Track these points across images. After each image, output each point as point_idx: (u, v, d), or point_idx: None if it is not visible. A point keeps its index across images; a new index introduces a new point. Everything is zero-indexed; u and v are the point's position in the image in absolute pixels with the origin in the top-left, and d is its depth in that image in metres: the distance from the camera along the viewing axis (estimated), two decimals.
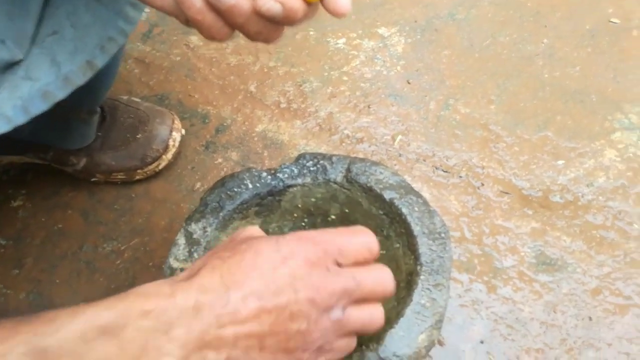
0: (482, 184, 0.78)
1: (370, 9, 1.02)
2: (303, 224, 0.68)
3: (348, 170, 0.65)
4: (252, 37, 0.43)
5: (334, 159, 0.66)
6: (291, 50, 0.98)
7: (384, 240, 0.62)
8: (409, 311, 0.53)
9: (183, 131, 0.84)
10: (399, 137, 0.85)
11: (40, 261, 0.77)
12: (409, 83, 0.91)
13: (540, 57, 0.93)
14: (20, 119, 0.48)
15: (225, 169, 0.84)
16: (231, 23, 0.41)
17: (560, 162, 0.80)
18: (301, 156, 0.66)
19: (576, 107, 0.86)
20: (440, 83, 0.90)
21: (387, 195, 0.62)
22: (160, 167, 0.81)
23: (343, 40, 0.98)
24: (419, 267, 0.56)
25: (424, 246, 0.58)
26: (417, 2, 1.02)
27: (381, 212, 0.63)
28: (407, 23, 0.99)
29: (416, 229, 0.59)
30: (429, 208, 0.61)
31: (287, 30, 1.06)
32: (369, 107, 0.89)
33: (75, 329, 0.35)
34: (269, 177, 0.65)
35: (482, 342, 0.66)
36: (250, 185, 0.65)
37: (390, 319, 0.55)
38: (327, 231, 0.45)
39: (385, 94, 0.90)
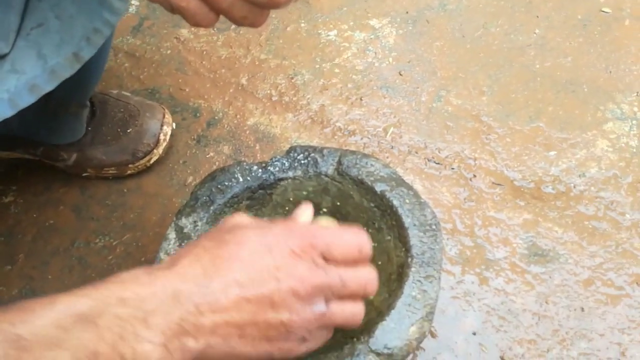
0: (474, 176, 0.78)
1: (361, 0, 1.01)
2: None
3: (339, 163, 0.64)
4: (237, 21, 0.43)
5: (325, 151, 0.66)
6: (282, 43, 0.97)
7: (376, 233, 0.62)
8: (399, 303, 0.54)
9: (174, 125, 0.84)
10: (391, 129, 0.84)
11: (32, 257, 0.76)
12: (400, 75, 0.91)
13: (531, 48, 0.92)
14: (8, 112, 0.48)
15: (217, 163, 0.83)
16: (216, 8, 0.41)
17: (552, 152, 0.80)
18: (292, 149, 0.66)
19: (568, 98, 0.86)
20: (431, 74, 0.90)
21: (378, 187, 0.62)
22: (152, 161, 0.81)
23: (334, 32, 0.98)
24: (409, 259, 0.57)
25: (415, 238, 0.58)
26: None
27: (372, 204, 0.62)
28: (398, 14, 0.99)
29: (407, 221, 0.59)
30: (420, 200, 0.60)
31: (278, 23, 1.06)
32: (360, 99, 0.89)
33: (52, 317, 0.35)
34: (260, 170, 0.65)
35: (474, 333, 0.66)
36: (241, 179, 0.64)
37: (382, 311, 0.55)
38: (318, 226, 0.45)
39: (377, 85, 0.90)
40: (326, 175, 0.65)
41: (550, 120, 0.83)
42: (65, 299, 0.36)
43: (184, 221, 0.61)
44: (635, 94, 0.85)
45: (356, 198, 0.64)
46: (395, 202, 0.60)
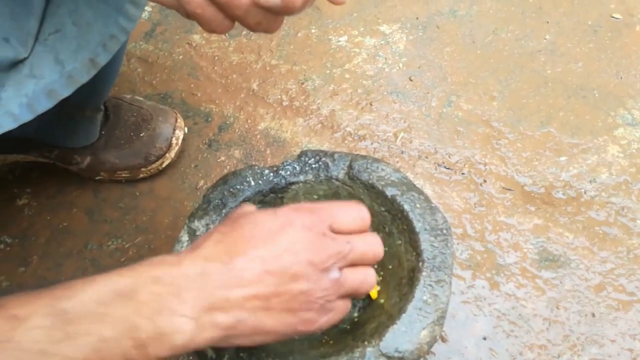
0: (485, 181, 0.78)
1: (372, 6, 1.02)
2: None
3: (350, 167, 0.65)
4: (252, 28, 0.43)
5: (336, 156, 0.66)
6: (293, 48, 0.98)
7: (386, 237, 0.62)
8: (410, 307, 0.54)
9: (186, 129, 0.85)
10: (401, 134, 0.85)
11: (45, 259, 0.77)
12: (411, 80, 0.91)
13: (542, 53, 0.92)
14: (26, 117, 0.49)
15: (228, 167, 0.84)
16: (231, 15, 0.42)
17: (563, 158, 0.80)
18: (303, 153, 0.67)
19: (579, 103, 0.86)
20: (442, 80, 0.90)
21: (389, 192, 0.62)
22: (164, 165, 0.82)
23: (345, 37, 0.98)
24: (421, 264, 0.57)
25: (426, 243, 0.58)
26: None
27: (383, 209, 0.63)
28: (408, 20, 0.99)
29: (418, 225, 0.59)
30: (431, 204, 0.61)
31: (289, 29, 1.07)
32: (371, 104, 0.89)
33: (93, 293, 0.37)
34: (271, 174, 0.66)
35: (484, 338, 0.66)
36: (252, 183, 0.65)
37: (392, 315, 0.55)
38: (322, 203, 0.50)
39: (388, 91, 0.90)
40: (337, 180, 0.65)
41: (561, 125, 0.83)
42: (104, 277, 0.39)
43: (196, 224, 0.61)
44: None
45: (367, 202, 0.64)
46: (406, 207, 0.61)
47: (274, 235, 0.44)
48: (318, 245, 0.44)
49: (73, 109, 0.72)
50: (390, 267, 0.61)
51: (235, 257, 0.42)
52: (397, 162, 0.82)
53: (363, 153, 0.82)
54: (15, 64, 0.47)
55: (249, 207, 0.49)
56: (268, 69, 0.96)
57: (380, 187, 0.63)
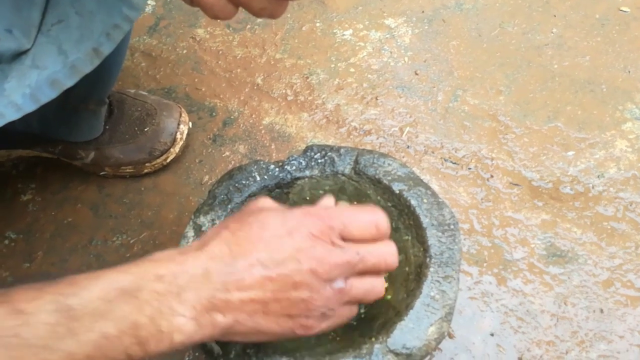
0: (492, 176, 0.78)
1: (377, 0, 1.01)
2: None
3: (356, 162, 0.64)
4: (256, 13, 0.43)
5: (341, 150, 0.65)
6: (298, 42, 0.97)
7: (393, 233, 0.61)
8: (418, 303, 0.53)
9: (190, 124, 0.84)
10: (407, 129, 0.84)
11: (50, 255, 0.77)
12: (416, 74, 0.90)
13: (549, 47, 0.92)
14: (30, 107, 0.48)
15: (233, 162, 0.84)
16: (234, 0, 0.41)
17: (571, 153, 0.79)
18: (309, 148, 0.66)
19: (586, 97, 0.85)
20: (448, 74, 0.90)
21: (396, 187, 0.61)
22: (169, 160, 0.81)
23: (350, 31, 0.97)
24: (428, 259, 0.56)
25: (433, 238, 0.58)
26: None
27: (390, 204, 0.62)
28: (414, 13, 0.98)
29: (425, 220, 0.59)
30: (438, 200, 0.60)
31: (294, 23, 1.06)
32: (376, 98, 0.88)
33: (98, 290, 0.38)
34: (277, 169, 0.65)
35: (492, 334, 0.65)
36: (258, 178, 0.64)
37: (400, 311, 0.54)
38: (335, 208, 0.48)
39: (393, 85, 0.89)
40: (343, 175, 0.65)
41: (569, 120, 0.83)
42: (109, 274, 0.39)
43: (202, 219, 0.61)
44: None
45: (373, 197, 0.64)
46: (413, 202, 0.60)
47: (279, 240, 0.43)
48: (324, 255, 0.43)
49: (77, 102, 0.71)
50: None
51: (238, 259, 0.42)
52: (403, 157, 0.81)
53: (369, 148, 0.82)
54: (18, 55, 0.47)
55: (265, 202, 0.49)
56: (272, 63, 0.95)
57: (386, 182, 0.62)
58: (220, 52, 0.97)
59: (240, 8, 0.43)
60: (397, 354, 0.51)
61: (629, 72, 0.87)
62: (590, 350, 0.64)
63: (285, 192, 0.66)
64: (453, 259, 0.56)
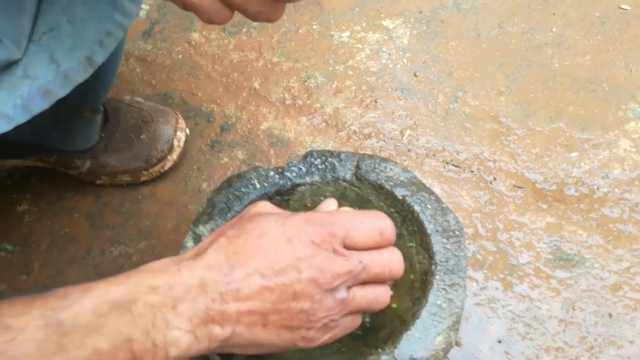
0: (495, 179, 0.77)
1: (374, 1, 1.00)
2: None
3: (357, 167, 0.63)
4: (252, 17, 0.41)
5: (342, 156, 0.64)
6: (294, 45, 0.96)
7: (397, 239, 0.60)
8: (424, 312, 0.52)
9: (187, 131, 0.83)
10: (408, 131, 0.83)
11: (47, 266, 0.76)
12: (415, 76, 0.89)
13: (549, 46, 0.90)
14: (21, 118, 0.47)
15: (231, 169, 0.82)
16: (229, 4, 0.40)
17: (574, 154, 0.78)
18: (309, 154, 0.65)
19: (588, 97, 0.84)
20: (447, 75, 0.88)
21: (399, 192, 0.60)
22: (166, 167, 0.80)
23: (347, 33, 0.96)
24: (433, 267, 0.55)
25: (438, 245, 0.56)
26: None
27: (392, 210, 0.61)
28: (412, 14, 0.97)
29: (429, 227, 0.58)
30: (442, 205, 0.59)
31: (290, 25, 1.04)
32: (375, 101, 0.87)
33: (89, 304, 0.36)
34: (277, 176, 0.64)
35: (499, 341, 0.64)
36: (257, 185, 0.63)
37: (406, 321, 0.53)
38: (337, 213, 0.46)
39: (392, 87, 0.88)
40: (344, 181, 0.64)
41: (571, 120, 0.81)
42: (101, 285, 0.38)
43: (201, 229, 0.60)
44: None
45: (375, 203, 0.62)
46: (417, 208, 0.59)
47: (278, 248, 0.41)
48: (325, 264, 0.41)
49: (70, 111, 0.70)
50: None
51: (236, 269, 0.40)
52: (404, 160, 0.80)
53: (369, 152, 0.81)
54: (8, 66, 0.45)
55: (265, 207, 0.47)
56: (269, 66, 0.94)
57: (389, 188, 0.61)
58: (216, 56, 0.96)
59: (236, 12, 0.42)
60: None
61: (631, 70, 0.86)
62: (600, 356, 0.63)
63: (286, 199, 0.64)
64: (459, 265, 0.55)
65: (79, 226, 0.79)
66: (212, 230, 0.60)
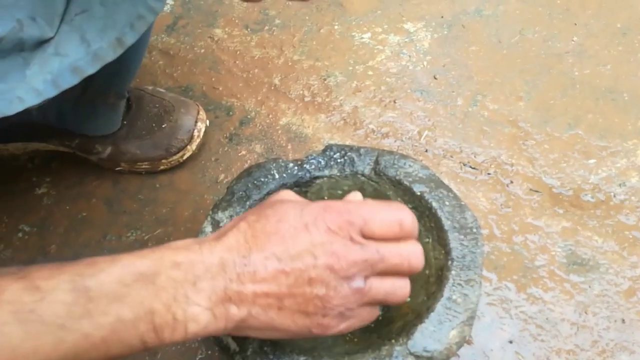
0: (511, 182, 0.77)
1: (396, 4, 1.00)
2: None
3: (376, 162, 0.63)
4: None
5: (361, 151, 0.65)
6: (316, 44, 0.97)
7: None
8: (439, 306, 0.52)
9: (207, 122, 0.84)
10: (426, 132, 0.83)
11: (63, 249, 0.76)
12: (435, 78, 0.90)
13: (570, 55, 0.91)
14: (50, 92, 0.48)
15: (249, 161, 0.83)
16: None
17: (592, 161, 0.78)
18: (328, 147, 0.65)
19: (607, 106, 0.84)
20: (467, 79, 0.89)
21: (417, 188, 0.61)
22: (185, 157, 0.81)
23: (368, 34, 0.97)
24: (450, 262, 0.55)
25: (455, 241, 0.57)
26: None
27: (410, 206, 0.61)
28: (433, 18, 0.98)
29: (447, 223, 0.58)
30: (460, 203, 0.59)
31: (312, 25, 1.06)
32: (394, 102, 0.88)
33: (115, 273, 0.37)
34: (296, 167, 0.64)
35: (511, 341, 0.64)
36: (277, 176, 0.64)
37: (421, 314, 0.53)
38: (357, 202, 0.46)
39: (412, 89, 0.89)
40: (363, 175, 0.64)
41: (590, 128, 0.82)
42: (127, 258, 0.39)
43: (220, 215, 0.60)
44: None
45: (393, 199, 0.63)
46: (435, 204, 0.59)
47: (295, 234, 0.42)
48: (341, 251, 0.41)
49: (96, 94, 0.71)
50: None
51: (253, 252, 0.41)
52: (422, 160, 0.80)
53: None
54: (40, 43, 0.46)
55: (286, 194, 0.48)
56: (290, 64, 0.95)
57: (407, 184, 0.61)
58: (238, 52, 0.97)
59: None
60: (417, 357, 0.50)
61: None
62: None
63: (304, 191, 0.65)
64: (475, 262, 0.55)
65: (96, 211, 0.80)
66: (231, 217, 0.61)
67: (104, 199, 0.81)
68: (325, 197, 0.65)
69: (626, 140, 0.80)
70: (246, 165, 0.82)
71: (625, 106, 0.83)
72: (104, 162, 0.80)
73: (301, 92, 0.91)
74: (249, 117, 0.88)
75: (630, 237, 0.71)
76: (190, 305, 0.39)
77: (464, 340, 0.52)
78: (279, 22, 1.00)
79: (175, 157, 0.80)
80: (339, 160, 0.65)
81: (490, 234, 0.72)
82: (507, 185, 0.76)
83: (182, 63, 0.97)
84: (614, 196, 0.75)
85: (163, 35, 1.01)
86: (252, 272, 0.41)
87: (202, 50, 0.98)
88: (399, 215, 0.44)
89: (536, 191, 0.76)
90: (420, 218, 0.61)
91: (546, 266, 0.69)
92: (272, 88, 0.92)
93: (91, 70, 0.50)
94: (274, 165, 0.64)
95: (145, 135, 0.79)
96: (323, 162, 0.65)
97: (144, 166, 0.80)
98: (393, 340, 0.51)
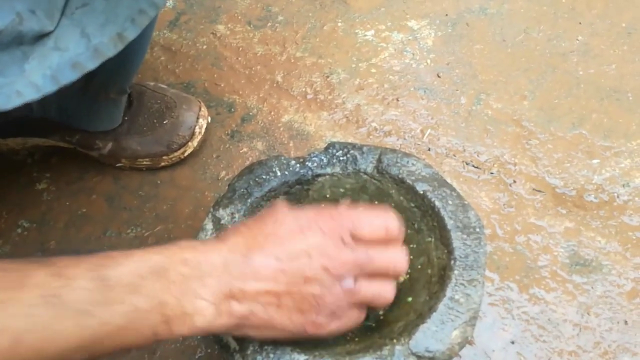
0: (514, 181, 0.76)
1: (400, 2, 1.00)
2: None
3: (379, 160, 0.63)
4: None
5: (364, 149, 0.64)
6: (319, 41, 0.96)
7: (415, 234, 0.61)
8: (442, 306, 0.52)
9: (209, 118, 0.83)
10: (429, 131, 0.83)
11: (63, 245, 0.76)
12: (439, 77, 0.89)
13: (574, 54, 0.90)
14: (49, 88, 0.47)
15: (250, 159, 0.83)
16: None
17: (595, 161, 0.78)
18: (331, 145, 0.65)
19: (612, 106, 0.83)
20: (471, 77, 0.88)
21: (420, 187, 0.60)
22: (186, 154, 0.80)
23: (372, 32, 0.97)
24: (452, 262, 0.55)
25: (458, 240, 0.56)
26: None
27: (412, 204, 0.61)
28: (437, 16, 0.97)
29: (450, 222, 0.57)
30: (463, 202, 0.59)
31: (315, 22, 1.05)
32: (397, 100, 0.87)
33: (131, 266, 0.40)
34: (298, 165, 0.64)
35: (512, 342, 0.64)
36: (278, 173, 0.63)
37: (423, 314, 0.53)
38: (346, 208, 0.49)
39: (415, 87, 0.88)
40: (365, 173, 0.64)
41: (594, 127, 0.81)
42: (141, 253, 0.41)
43: (221, 212, 0.60)
44: None
45: (395, 197, 0.62)
46: (438, 203, 0.59)
47: (292, 236, 0.45)
48: (334, 252, 0.45)
49: (98, 89, 0.70)
50: (419, 266, 0.59)
51: (254, 252, 0.44)
52: (424, 159, 0.79)
53: None
54: (40, 37, 0.46)
55: (280, 204, 0.50)
56: (293, 61, 0.94)
57: (410, 182, 0.61)
58: (241, 48, 0.97)
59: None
60: (419, 357, 0.49)
61: None
62: None
63: (306, 188, 0.64)
64: (478, 262, 0.55)
65: (96, 207, 0.79)
66: (232, 214, 0.60)
67: (104, 195, 0.80)
68: (327, 195, 0.65)
69: (630, 141, 0.79)
70: (247, 163, 0.82)
71: (629, 106, 0.83)
72: (105, 158, 0.80)
73: (303, 89, 0.90)
74: (250, 114, 0.88)
75: (634, 238, 0.70)
76: (197, 299, 0.41)
77: (466, 341, 0.51)
78: (281, 18, 1.00)
79: (176, 154, 0.79)
80: (341, 158, 0.64)
81: (492, 234, 0.72)
82: (510, 185, 0.76)
83: (184, 59, 0.96)
84: (618, 197, 0.74)
85: (165, 31, 1.00)
86: (254, 270, 0.43)
87: (205, 47, 0.98)
88: (384, 219, 0.48)
89: (539, 191, 0.75)
90: (422, 217, 0.60)
91: (549, 266, 0.69)
92: (275, 85, 0.91)
93: (91, 66, 0.49)
94: (276, 162, 0.64)
95: (147, 131, 0.78)
96: (325, 160, 0.64)
97: (144, 162, 0.80)
98: (395, 340, 0.51)
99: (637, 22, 0.93)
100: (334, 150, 0.65)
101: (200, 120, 0.80)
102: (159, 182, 0.81)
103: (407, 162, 0.62)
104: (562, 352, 0.63)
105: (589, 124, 0.81)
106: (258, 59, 0.95)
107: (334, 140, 0.83)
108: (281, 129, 0.86)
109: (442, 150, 0.81)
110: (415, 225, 0.61)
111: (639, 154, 0.78)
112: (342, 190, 0.65)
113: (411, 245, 0.60)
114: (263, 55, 0.95)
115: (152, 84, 0.84)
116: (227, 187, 0.62)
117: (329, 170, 0.64)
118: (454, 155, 0.80)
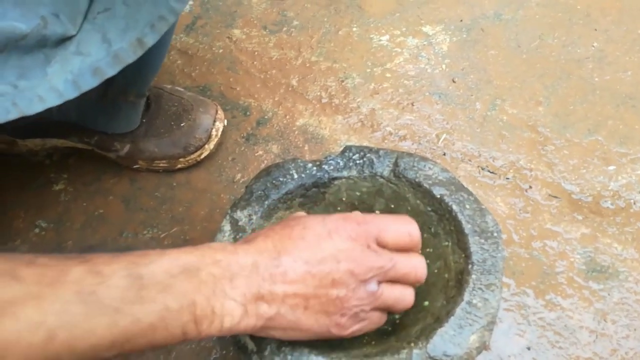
0: (530, 187, 0.76)
1: (415, 7, 1.00)
2: None
3: (396, 164, 0.63)
4: None
5: (381, 152, 0.64)
6: (333, 46, 0.97)
7: (431, 238, 0.61)
8: (459, 310, 0.52)
9: (225, 121, 0.84)
10: (444, 135, 0.83)
11: (80, 245, 0.77)
12: (454, 82, 0.89)
13: (590, 61, 0.90)
14: (71, 94, 0.48)
15: (265, 162, 0.83)
16: None
17: (612, 167, 0.77)
18: (347, 148, 0.65)
19: (628, 112, 0.83)
20: (486, 83, 0.88)
21: (437, 191, 0.60)
22: (202, 156, 0.81)
23: (386, 37, 0.97)
24: (470, 266, 0.55)
25: (476, 245, 0.56)
26: (462, 1, 1.00)
27: (429, 208, 0.61)
28: (452, 22, 0.98)
29: (467, 227, 0.57)
30: (481, 206, 0.59)
31: (330, 27, 1.06)
32: (412, 104, 0.87)
33: (164, 264, 0.40)
34: (315, 168, 0.64)
35: (528, 348, 0.64)
36: (295, 176, 0.64)
37: (440, 318, 0.53)
38: (371, 215, 0.50)
39: (430, 92, 0.88)
40: (381, 177, 0.64)
41: (610, 134, 0.81)
42: (173, 252, 0.42)
43: (239, 214, 0.60)
44: None
45: (412, 201, 0.62)
46: (455, 207, 0.59)
47: (320, 240, 0.45)
48: (360, 257, 0.46)
49: (117, 93, 0.71)
50: (435, 270, 0.59)
51: (283, 255, 0.44)
52: (439, 163, 0.80)
53: None
54: (62, 41, 0.47)
55: (301, 213, 0.52)
56: (308, 65, 0.95)
57: (427, 186, 0.61)
58: (256, 52, 0.97)
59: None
60: None
61: None
62: None
63: (322, 191, 0.65)
64: (496, 267, 0.55)
65: (113, 208, 0.80)
66: (249, 215, 0.61)
67: (121, 196, 0.81)
68: (344, 199, 0.65)
69: None
70: (263, 166, 0.82)
71: None
72: (122, 159, 0.81)
73: (318, 93, 0.91)
74: (266, 117, 0.88)
75: None
76: (227, 300, 0.42)
77: (484, 345, 0.51)
78: (297, 23, 1.00)
79: (192, 156, 0.80)
80: (357, 162, 0.65)
81: (508, 239, 0.71)
82: (526, 190, 0.76)
83: (200, 63, 0.97)
84: (634, 203, 0.74)
85: (182, 35, 1.01)
86: (283, 272, 0.44)
87: (221, 51, 0.98)
88: (408, 227, 0.49)
89: (555, 197, 0.75)
90: (440, 221, 0.60)
91: (565, 273, 0.68)
92: (290, 89, 0.92)
93: (111, 72, 0.50)
94: (293, 165, 0.64)
95: (164, 133, 0.79)
96: (342, 163, 0.65)
97: (161, 164, 0.80)
98: (412, 344, 0.51)
99: None
100: (351, 154, 0.65)
101: (217, 123, 0.81)
102: (175, 184, 0.81)
103: (424, 166, 0.63)
104: (578, 358, 0.63)
105: (604, 131, 0.81)
106: (273, 63, 0.96)
107: (349, 144, 0.84)
108: (296, 132, 0.86)
109: (458, 155, 0.81)
110: (432, 230, 0.61)
111: None
112: (358, 193, 0.65)
113: (428, 249, 0.60)
114: (278, 60, 0.96)
115: (169, 87, 0.84)
116: (244, 189, 0.62)
117: (345, 173, 0.64)
118: (470, 160, 0.80)
